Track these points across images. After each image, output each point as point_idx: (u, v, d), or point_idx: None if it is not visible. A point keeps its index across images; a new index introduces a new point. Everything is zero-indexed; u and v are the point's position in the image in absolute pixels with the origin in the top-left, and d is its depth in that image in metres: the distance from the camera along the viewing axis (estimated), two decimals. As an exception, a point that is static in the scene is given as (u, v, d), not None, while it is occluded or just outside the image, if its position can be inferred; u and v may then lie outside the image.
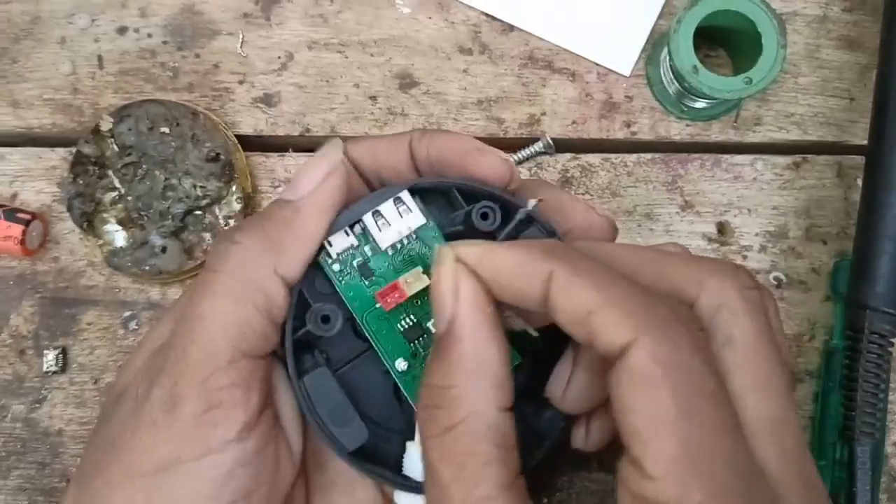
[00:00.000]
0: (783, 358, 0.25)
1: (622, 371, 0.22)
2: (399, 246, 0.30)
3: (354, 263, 0.30)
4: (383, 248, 0.30)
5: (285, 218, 0.28)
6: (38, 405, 0.42)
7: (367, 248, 0.30)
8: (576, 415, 0.29)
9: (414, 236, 0.30)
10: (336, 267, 0.30)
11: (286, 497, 0.29)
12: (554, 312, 0.24)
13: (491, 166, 0.30)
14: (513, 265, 0.25)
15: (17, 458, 0.42)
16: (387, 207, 0.30)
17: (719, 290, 0.25)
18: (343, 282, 0.30)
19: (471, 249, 0.26)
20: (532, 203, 0.29)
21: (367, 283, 0.30)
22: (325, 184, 0.28)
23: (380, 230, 0.30)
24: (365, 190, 0.33)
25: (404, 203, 0.30)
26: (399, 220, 0.30)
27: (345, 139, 0.30)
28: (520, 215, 0.29)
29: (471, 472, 0.24)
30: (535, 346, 0.29)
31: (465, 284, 0.25)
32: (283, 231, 0.28)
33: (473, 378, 0.24)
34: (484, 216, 0.29)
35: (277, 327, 0.28)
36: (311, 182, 0.28)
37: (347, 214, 0.29)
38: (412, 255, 0.30)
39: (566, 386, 0.28)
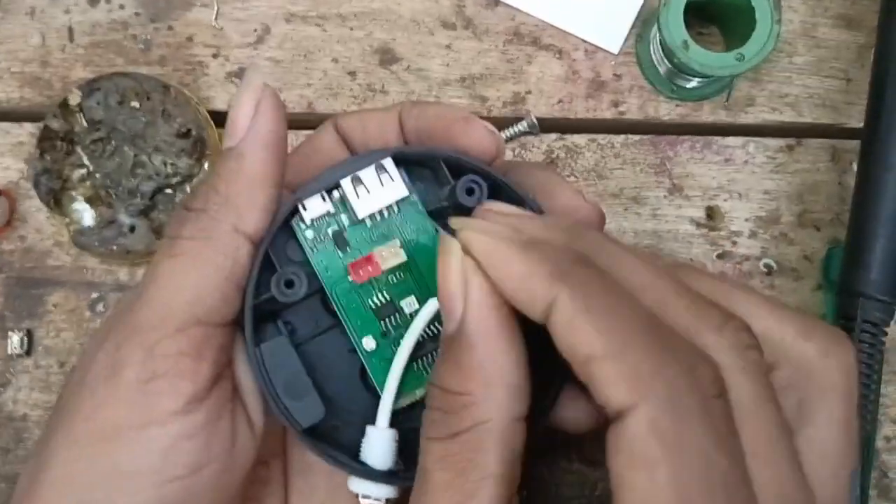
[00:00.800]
0: (853, 438, 0.24)
1: (618, 438, 0.20)
2: (378, 218, 0.28)
3: (329, 231, 0.28)
4: (361, 218, 0.28)
5: (232, 169, 0.26)
6: (2, 389, 0.41)
7: (343, 217, 0.28)
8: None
9: (396, 209, 0.28)
10: (309, 234, 0.28)
11: (249, 475, 0.28)
12: (554, 339, 0.22)
13: (477, 137, 0.28)
14: (517, 276, 0.22)
15: (-19, 442, 0.41)
16: (368, 174, 0.28)
17: (718, 351, 0.22)
18: (315, 250, 0.28)
19: (479, 242, 0.23)
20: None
21: (340, 253, 0.28)
22: (258, 116, 0.26)
23: (358, 198, 0.28)
24: None
25: (387, 171, 0.28)
26: (380, 189, 0.28)
27: (319, 114, 0.29)
28: (465, 181, 0.27)
29: (468, 483, 0.22)
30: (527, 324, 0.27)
31: (475, 282, 0.23)
32: (233, 183, 0.26)
33: (489, 388, 0.22)
34: (469, 191, 0.27)
35: (240, 291, 0.26)
36: (243, 120, 0.26)
37: (324, 177, 0.28)
38: (392, 228, 0.29)
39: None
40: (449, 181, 0.28)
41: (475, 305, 0.23)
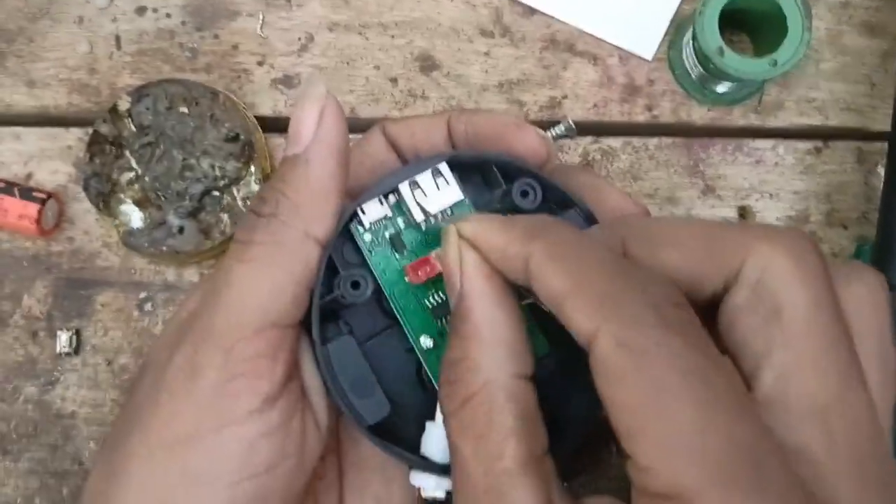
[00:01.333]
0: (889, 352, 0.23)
1: (594, 364, 0.21)
2: (433, 220, 0.30)
3: (386, 234, 0.29)
4: (418, 221, 0.29)
5: (300, 175, 0.27)
6: (50, 387, 0.42)
7: (400, 220, 0.30)
8: None
9: (449, 212, 0.30)
10: (367, 237, 0.29)
11: (314, 472, 0.29)
12: (538, 297, 0.23)
13: (529, 142, 0.29)
14: (497, 246, 0.24)
15: (29, 440, 0.41)
16: (425, 178, 0.29)
17: (767, 255, 0.22)
18: (373, 252, 0.29)
19: (467, 225, 0.25)
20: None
21: (397, 255, 0.29)
22: (323, 124, 0.27)
23: (416, 201, 0.29)
24: (400, 167, 0.32)
25: (443, 176, 0.29)
26: (436, 193, 0.29)
27: (362, 119, 0.30)
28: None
29: (491, 445, 0.23)
30: (563, 332, 0.29)
31: (468, 256, 0.25)
32: (302, 189, 0.27)
33: (486, 347, 0.24)
34: (524, 194, 0.28)
35: (309, 293, 0.27)
36: (308, 128, 0.27)
37: (384, 183, 0.29)
38: None
39: None
40: (500, 184, 0.30)
41: (469, 274, 0.25)
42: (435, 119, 0.31)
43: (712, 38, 0.38)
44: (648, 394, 0.20)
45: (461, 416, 0.24)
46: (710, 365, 0.20)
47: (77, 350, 0.42)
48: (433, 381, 0.29)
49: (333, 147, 0.27)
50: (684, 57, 0.42)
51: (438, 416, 0.28)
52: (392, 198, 0.29)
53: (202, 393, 0.25)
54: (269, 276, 0.26)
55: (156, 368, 0.27)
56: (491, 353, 0.24)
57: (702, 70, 0.40)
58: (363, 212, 0.29)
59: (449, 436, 0.24)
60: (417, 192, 0.29)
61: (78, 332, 0.42)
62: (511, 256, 0.24)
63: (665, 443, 0.20)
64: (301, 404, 0.28)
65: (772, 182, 0.42)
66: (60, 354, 0.42)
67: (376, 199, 0.29)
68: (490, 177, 0.30)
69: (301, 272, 0.27)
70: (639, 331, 0.20)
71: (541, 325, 0.28)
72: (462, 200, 0.30)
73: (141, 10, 0.44)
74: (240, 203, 0.42)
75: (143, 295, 0.42)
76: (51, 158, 0.43)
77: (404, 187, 0.29)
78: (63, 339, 0.42)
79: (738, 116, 0.42)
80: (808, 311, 0.22)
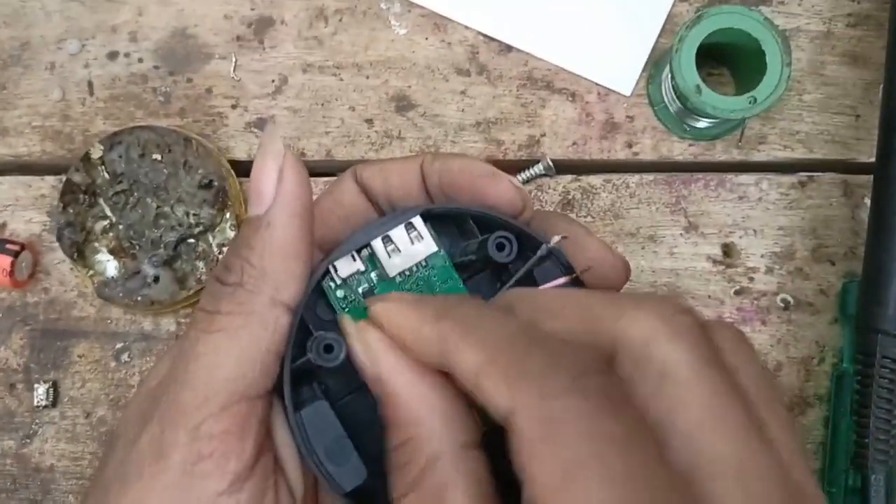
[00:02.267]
0: (774, 393, 0.22)
1: (511, 441, 0.20)
2: (408, 273, 0.29)
3: (359, 290, 0.29)
4: (392, 276, 0.29)
5: (264, 239, 0.26)
6: (28, 440, 0.41)
7: (373, 275, 0.29)
8: None
9: (424, 263, 0.29)
10: (340, 293, 0.29)
11: None
12: (456, 378, 0.22)
13: (504, 193, 0.28)
14: (409, 329, 0.24)
15: (8, 495, 0.41)
16: (398, 233, 0.28)
17: (642, 322, 0.21)
18: (346, 309, 0.29)
19: (380, 307, 0.25)
20: (556, 239, 0.27)
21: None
22: (284, 183, 0.26)
23: (389, 257, 0.28)
24: (373, 213, 0.32)
25: (416, 229, 0.29)
26: (410, 247, 0.29)
27: (337, 161, 0.29)
28: (541, 252, 0.27)
29: None
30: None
31: (371, 336, 0.25)
32: (267, 255, 0.26)
33: (422, 423, 0.23)
34: (500, 247, 0.28)
35: (279, 359, 0.27)
36: (268, 188, 0.26)
37: (356, 238, 0.28)
38: (420, 284, 0.29)
39: None
40: (476, 235, 0.29)
41: (383, 359, 0.24)
42: (408, 163, 0.30)
43: (689, 76, 0.37)
44: (560, 469, 0.19)
45: (413, 497, 0.23)
46: (627, 434, 0.19)
47: (55, 402, 0.41)
48: None
49: (296, 207, 0.26)
50: (663, 92, 0.41)
51: None
52: (365, 252, 0.29)
53: (170, 474, 0.24)
54: (237, 346, 0.25)
55: (124, 444, 0.26)
56: (429, 426, 0.23)
57: (681, 106, 0.40)
58: (335, 269, 0.28)
59: None
60: (391, 246, 0.29)
61: (55, 385, 0.41)
62: (423, 340, 0.23)
63: None
64: (274, 477, 0.27)
65: (756, 218, 0.41)
66: (38, 407, 0.41)
67: (349, 255, 0.28)
68: (465, 228, 0.29)
69: (270, 339, 0.26)
70: (553, 402, 0.20)
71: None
72: (436, 252, 0.29)
73: (113, 56, 0.43)
74: (215, 250, 0.41)
75: (119, 345, 0.42)
76: (25, 208, 0.43)
77: (377, 243, 0.29)
78: (41, 392, 0.41)
79: (721, 151, 0.42)
80: (692, 369, 0.21)
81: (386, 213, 0.32)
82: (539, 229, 0.29)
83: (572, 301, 0.24)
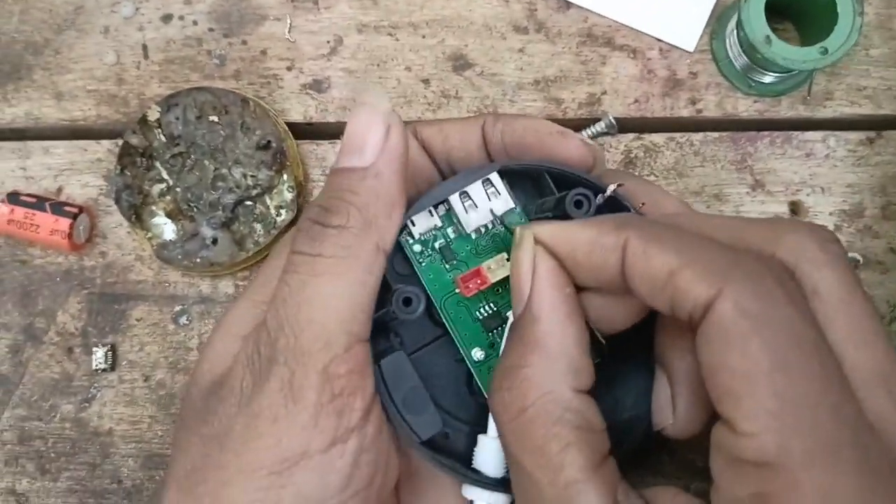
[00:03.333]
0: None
1: (708, 328, 0.21)
2: (483, 230, 0.29)
3: (436, 245, 0.29)
4: (468, 231, 0.29)
5: (370, 188, 0.26)
6: (87, 404, 0.41)
7: (450, 230, 0.29)
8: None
9: (499, 220, 0.29)
10: (417, 248, 0.29)
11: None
12: (632, 281, 0.23)
13: (574, 150, 0.29)
14: (587, 240, 0.24)
15: (67, 459, 0.41)
16: (475, 189, 0.29)
17: (797, 243, 0.24)
18: (423, 263, 0.29)
19: (546, 228, 0.25)
20: (612, 187, 0.28)
21: (447, 266, 0.29)
22: (391, 140, 0.27)
23: (466, 212, 0.28)
24: (434, 171, 0.32)
25: (493, 185, 0.29)
26: (487, 203, 0.29)
27: (409, 122, 0.29)
28: (599, 199, 0.27)
29: (552, 456, 0.23)
30: (602, 355, 0.28)
31: (543, 263, 0.25)
32: (373, 202, 0.26)
33: (548, 358, 0.24)
34: (578, 204, 0.27)
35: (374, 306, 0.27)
36: (375, 141, 0.27)
37: (434, 194, 0.28)
38: (496, 240, 0.29)
39: (673, 411, 0.27)
40: (553, 191, 0.29)
41: (542, 283, 0.25)
42: (469, 123, 0.31)
43: (759, 26, 0.37)
44: (766, 361, 0.20)
45: (517, 426, 0.23)
46: (822, 342, 0.21)
47: (113, 366, 0.41)
48: (484, 393, 0.28)
49: (401, 162, 0.27)
50: (728, 47, 0.40)
51: (491, 429, 0.28)
52: (442, 208, 0.29)
53: (305, 414, 0.25)
54: (348, 290, 0.26)
55: (234, 392, 0.26)
56: (552, 365, 0.24)
57: (747, 60, 0.39)
58: (413, 223, 0.28)
59: (506, 446, 0.24)
60: (468, 202, 0.29)
61: (113, 348, 0.41)
62: (601, 247, 0.24)
63: (775, 411, 0.20)
64: (384, 415, 0.28)
65: (823, 175, 0.40)
66: (96, 371, 0.41)
67: (426, 211, 0.28)
68: (542, 185, 0.29)
69: (374, 285, 0.26)
70: (764, 299, 0.21)
71: (593, 333, 0.28)
72: (513, 209, 0.29)
73: (167, 18, 0.43)
74: (273, 212, 0.41)
75: (178, 308, 0.41)
76: (81, 172, 0.42)
77: (454, 198, 0.29)
78: (99, 356, 0.41)
79: (786, 108, 0.41)
80: (841, 290, 0.23)
81: (444, 173, 0.32)
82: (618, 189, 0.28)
83: (725, 223, 0.26)
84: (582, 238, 0.25)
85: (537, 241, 0.25)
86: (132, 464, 0.41)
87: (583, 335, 0.25)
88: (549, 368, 0.24)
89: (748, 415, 0.20)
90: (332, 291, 0.25)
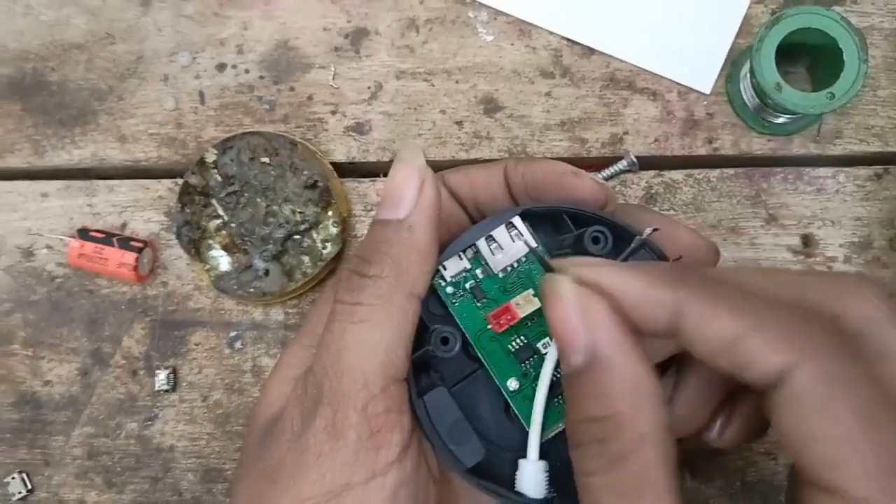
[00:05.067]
0: None
1: (788, 398, 0.21)
2: (510, 269, 0.32)
3: (467, 286, 0.31)
4: (496, 272, 0.31)
5: (404, 241, 0.29)
6: (150, 422, 0.45)
7: (478, 272, 0.32)
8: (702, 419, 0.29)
9: (524, 258, 0.32)
10: (449, 290, 0.31)
11: None
12: (690, 343, 0.23)
13: (588, 188, 0.31)
14: (638, 291, 0.24)
15: (132, 473, 0.45)
16: (500, 233, 0.31)
17: (861, 302, 0.24)
18: (456, 304, 0.31)
19: (588, 271, 0.25)
20: (648, 231, 0.29)
21: (478, 304, 0.31)
22: (425, 194, 0.29)
23: (493, 254, 0.31)
24: (462, 215, 0.34)
25: (516, 228, 0.31)
26: (511, 245, 0.31)
27: (430, 161, 0.31)
28: (635, 243, 0.29)
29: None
30: None
31: (596, 306, 0.24)
32: (406, 254, 0.29)
33: (636, 402, 0.23)
34: (595, 240, 0.30)
35: (411, 348, 0.29)
36: (411, 195, 0.29)
37: (462, 240, 0.31)
38: (522, 277, 0.32)
39: (720, 425, 0.28)
40: (571, 230, 0.31)
41: (604, 329, 0.24)
42: (492, 169, 0.33)
43: (770, 74, 0.39)
44: (861, 424, 0.21)
45: (612, 476, 0.23)
46: (885, 394, 0.22)
47: (174, 387, 0.45)
48: (522, 420, 0.31)
49: (433, 215, 0.29)
50: (742, 89, 0.43)
51: (531, 453, 0.30)
52: (470, 251, 0.32)
53: (347, 450, 0.27)
54: (384, 336, 0.28)
55: (286, 430, 0.28)
56: (643, 408, 0.23)
57: (760, 102, 0.42)
58: (444, 268, 0.31)
59: (592, 495, 0.24)
60: (494, 245, 0.31)
61: (174, 370, 0.45)
62: (654, 302, 0.24)
63: (887, 470, 0.20)
64: (422, 451, 0.30)
65: (833, 209, 0.43)
66: (159, 392, 0.45)
67: (456, 255, 0.31)
68: (561, 224, 0.32)
69: (409, 329, 0.29)
70: (844, 365, 0.21)
71: None
72: (536, 247, 0.31)
73: (221, 67, 0.47)
74: (319, 245, 0.44)
75: (233, 333, 0.45)
76: (143, 209, 0.46)
77: (481, 242, 0.31)
78: (161, 377, 0.45)
79: (798, 146, 0.43)
80: None
81: (472, 216, 0.35)
82: (631, 222, 0.31)
83: (783, 279, 0.26)
84: (632, 288, 0.24)
85: (582, 282, 0.25)
86: (192, 477, 0.44)
87: (654, 370, 0.24)
88: (640, 412, 0.23)
89: (856, 479, 0.20)
90: (370, 337, 0.28)
